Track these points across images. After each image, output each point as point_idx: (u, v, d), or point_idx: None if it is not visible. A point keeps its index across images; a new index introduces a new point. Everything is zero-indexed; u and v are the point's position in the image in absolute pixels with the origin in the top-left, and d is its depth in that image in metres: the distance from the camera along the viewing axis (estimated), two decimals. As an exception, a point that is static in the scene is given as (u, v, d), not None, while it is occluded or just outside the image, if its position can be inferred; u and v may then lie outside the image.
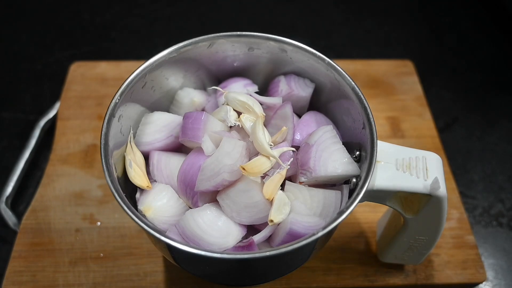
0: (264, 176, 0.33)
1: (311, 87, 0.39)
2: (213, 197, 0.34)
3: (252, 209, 0.32)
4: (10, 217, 0.49)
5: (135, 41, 0.70)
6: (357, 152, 0.35)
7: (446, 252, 0.47)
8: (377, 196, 0.33)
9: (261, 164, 0.32)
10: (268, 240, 0.34)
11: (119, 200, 0.30)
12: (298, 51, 0.37)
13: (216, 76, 0.41)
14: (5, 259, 0.46)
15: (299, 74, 0.40)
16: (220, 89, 0.38)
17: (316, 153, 0.33)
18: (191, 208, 0.35)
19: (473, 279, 0.46)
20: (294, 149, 0.34)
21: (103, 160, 0.31)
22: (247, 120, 0.35)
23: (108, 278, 0.44)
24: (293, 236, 0.31)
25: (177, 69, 0.38)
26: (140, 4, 0.76)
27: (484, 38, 0.74)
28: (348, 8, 0.77)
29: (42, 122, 0.56)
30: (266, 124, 0.36)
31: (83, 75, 0.60)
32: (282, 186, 0.34)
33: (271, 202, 0.32)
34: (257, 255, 0.28)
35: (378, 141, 0.32)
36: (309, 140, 0.34)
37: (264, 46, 0.38)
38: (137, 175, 0.35)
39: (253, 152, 0.34)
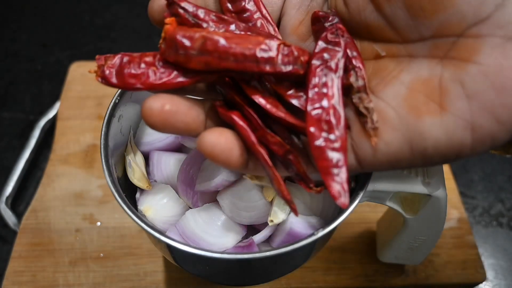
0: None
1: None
2: (213, 197, 0.34)
3: (252, 209, 0.32)
4: (10, 217, 0.49)
5: (135, 41, 0.70)
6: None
7: (446, 252, 0.47)
8: (377, 196, 0.33)
9: None
10: (268, 240, 0.34)
11: (119, 200, 0.30)
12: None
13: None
14: (5, 259, 0.46)
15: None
16: (220, 89, 0.38)
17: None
18: (191, 208, 0.35)
19: (473, 279, 0.46)
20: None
21: (103, 160, 0.31)
22: None
23: (108, 278, 0.44)
24: (293, 236, 0.31)
25: (177, 69, 0.38)
26: (140, 4, 0.76)
27: (484, 38, 0.74)
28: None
29: (42, 122, 0.56)
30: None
31: (83, 75, 0.60)
32: (282, 186, 0.34)
33: (271, 202, 0.32)
34: (257, 255, 0.28)
35: (378, 141, 0.32)
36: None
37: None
38: (137, 175, 0.35)
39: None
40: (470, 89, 0.21)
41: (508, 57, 0.20)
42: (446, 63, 0.22)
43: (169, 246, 0.29)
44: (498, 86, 0.20)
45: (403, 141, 0.23)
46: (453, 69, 0.22)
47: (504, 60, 0.20)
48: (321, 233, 0.28)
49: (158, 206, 0.34)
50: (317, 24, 0.27)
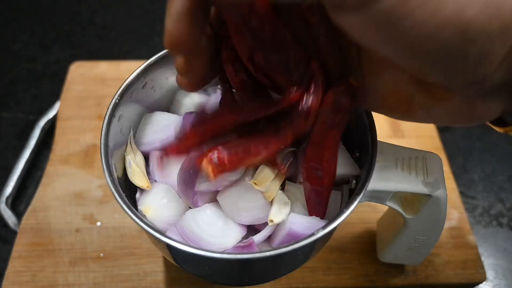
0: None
1: (311, 87, 0.39)
2: (213, 197, 0.34)
3: (252, 209, 0.32)
4: (10, 217, 0.49)
5: (135, 41, 0.70)
6: (357, 153, 0.35)
7: (446, 252, 0.47)
8: (377, 196, 0.33)
9: (266, 174, 0.32)
10: (268, 240, 0.34)
11: (119, 200, 0.30)
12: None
13: (216, 76, 0.41)
14: (5, 259, 0.46)
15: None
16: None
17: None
18: (191, 208, 0.35)
19: (473, 279, 0.46)
20: (294, 148, 0.34)
21: (103, 160, 0.31)
22: None
23: (108, 278, 0.44)
24: (293, 236, 0.31)
25: (177, 69, 0.38)
26: (140, 4, 0.76)
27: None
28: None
29: (42, 122, 0.56)
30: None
31: (83, 75, 0.60)
32: (282, 186, 0.34)
33: (271, 202, 0.32)
34: (257, 255, 0.28)
35: (378, 141, 0.32)
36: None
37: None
38: (137, 175, 0.35)
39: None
40: (434, 115, 0.26)
41: (471, 108, 0.25)
42: (421, 89, 0.25)
43: (169, 246, 0.29)
44: (455, 121, 0.26)
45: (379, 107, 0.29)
46: (424, 98, 0.25)
47: (468, 110, 0.25)
48: (321, 233, 0.28)
49: (158, 206, 0.34)
50: None
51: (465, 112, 0.25)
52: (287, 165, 0.33)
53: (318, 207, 0.32)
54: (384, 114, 0.29)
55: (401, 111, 0.27)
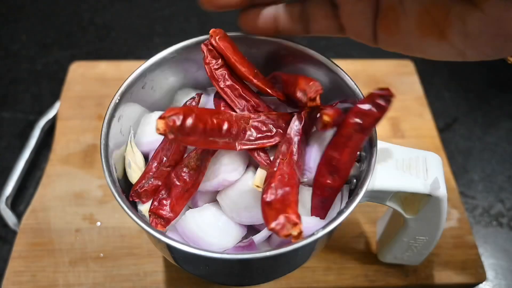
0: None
1: (311, 87, 0.39)
2: (213, 197, 0.34)
3: (252, 209, 0.32)
4: (10, 217, 0.49)
5: (135, 41, 0.70)
6: (357, 152, 0.35)
7: (446, 252, 0.47)
8: (377, 196, 0.33)
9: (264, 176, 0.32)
10: (268, 240, 0.34)
11: (119, 200, 0.30)
12: (297, 52, 0.37)
13: (216, 76, 0.41)
14: (5, 259, 0.46)
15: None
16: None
17: (316, 153, 0.33)
18: (191, 208, 0.35)
19: (473, 279, 0.46)
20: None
21: (103, 160, 0.31)
22: None
23: (108, 278, 0.44)
24: (293, 236, 0.31)
25: (177, 69, 0.38)
26: (140, 4, 0.76)
27: (484, 38, 0.73)
28: (348, 8, 0.77)
29: (42, 122, 0.56)
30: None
31: (83, 75, 0.60)
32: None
33: (271, 202, 0.32)
34: (257, 255, 0.28)
35: (378, 141, 0.32)
36: (309, 140, 0.34)
37: (263, 46, 0.38)
38: (137, 176, 0.35)
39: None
40: (469, 29, 0.26)
41: (508, 10, 0.24)
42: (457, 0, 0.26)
43: (169, 246, 0.29)
44: (492, 32, 0.25)
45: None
46: (461, 8, 0.26)
47: (504, 13, 0.24)
48: (321, 233, 0.28)
49: (158, 206, 0.34)
50: None
51: (501, 23, 0.25)
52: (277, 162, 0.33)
53: (321, 207, 0.32)
54: (414, 49, 0.30)
55: (435, 33, 0.27)
